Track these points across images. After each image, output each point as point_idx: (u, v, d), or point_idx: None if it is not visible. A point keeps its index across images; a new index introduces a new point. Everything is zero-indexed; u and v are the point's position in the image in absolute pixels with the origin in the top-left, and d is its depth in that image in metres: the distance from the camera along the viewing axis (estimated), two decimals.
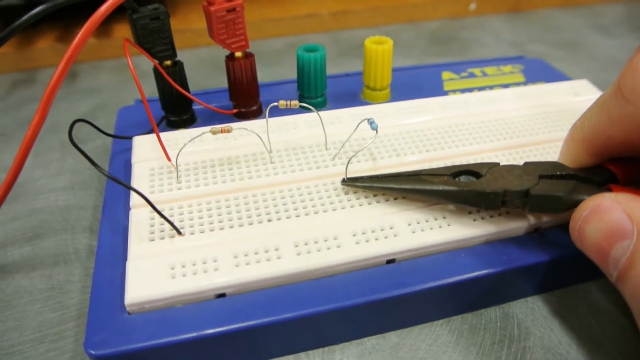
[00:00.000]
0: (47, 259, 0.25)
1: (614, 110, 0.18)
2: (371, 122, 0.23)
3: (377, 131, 0.23)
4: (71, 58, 0.21)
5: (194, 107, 0.30)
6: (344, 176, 0.23)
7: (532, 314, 0.22)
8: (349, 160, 0.23)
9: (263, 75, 0.40)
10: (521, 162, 0.22)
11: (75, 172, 0.31)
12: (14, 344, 0.21)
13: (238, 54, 0.28)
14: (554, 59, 0.43)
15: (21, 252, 0.25)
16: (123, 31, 0.45)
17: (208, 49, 0.46)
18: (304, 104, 0.24)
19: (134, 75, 0.22)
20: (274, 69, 0.43)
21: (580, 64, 0.44)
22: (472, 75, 0.34)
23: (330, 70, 0.35)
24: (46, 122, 0.35)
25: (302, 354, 0.20)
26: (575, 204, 0.19)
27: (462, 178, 0.21)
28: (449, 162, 0.25)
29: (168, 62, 0.27)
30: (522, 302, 0.22)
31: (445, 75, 0.34)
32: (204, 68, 0.43)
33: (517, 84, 0.33)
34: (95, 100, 0.39)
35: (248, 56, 0.28)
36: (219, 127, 0.23)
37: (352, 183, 0.22)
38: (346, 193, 0.23)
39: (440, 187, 0.21)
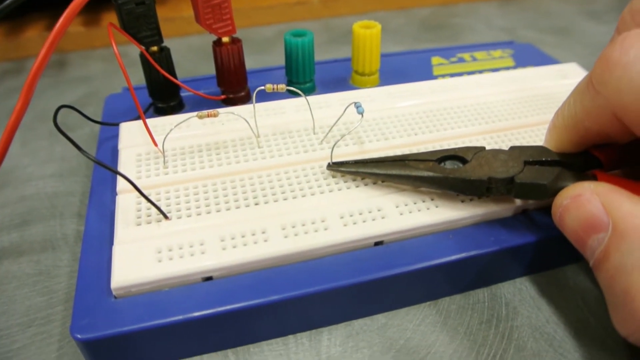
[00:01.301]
0: (35, 244, 0.25)
1: (587, 102, 0.18)
2: (357, 106, 0.23)
3: (362, 115, 0.23)
4: (54, 42, 0.20)
5: (182, 94, 0.30)
6: (330, 161, 0.23)
7: (520, 294, 0.22)
8: (335, 145, 0.23)
9: (253, 63, 0.40)
10: (508, 146, 0.22)
11: (63, 159, 0.31)
12: (1, 328, 0.21)
13: (225, 39, 0.27)
14: (546, 45, 0.43)
15: (9, 239, 0.25)
16: (113, 20, 0.45)
17: (199, 37, 0.46)
18: (291, 88, 0.24)
19: (119, 60, 0.22)
20: (264, 56, 0.43)
21: (571, 49, 0.44)
22: (461, 60, 0.34)
23: (322, 57, 0.35)
24: (35, 111, 0.35)
25: (290, 336, 0.20)
26: (560, 190, 0.19)
27: (448, 163, 0.21)
28: (437, 146, 0.25)
29: (154, 48, 0.27)
30: (510, 283, 0.22)
31: (435, 60, 0.34)
32: (194, 56, 0.43)
33: (507, 69, 0.33)
34: (84, 89, 0.38)
35: (235, 41, 0.28)
36: (205, 111, 0.23)
37: (337, 168, 0.22)
38: (334, 176, 0.23)
39: (425, 174, 0.21)
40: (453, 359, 0.19)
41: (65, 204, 0.27)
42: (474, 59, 0.34)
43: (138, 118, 0.25)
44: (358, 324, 0.21)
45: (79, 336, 0.17)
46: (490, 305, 0.21)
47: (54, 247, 0.24)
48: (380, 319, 0.21)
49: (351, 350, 0.20)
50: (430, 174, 0.21)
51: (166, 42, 0.27)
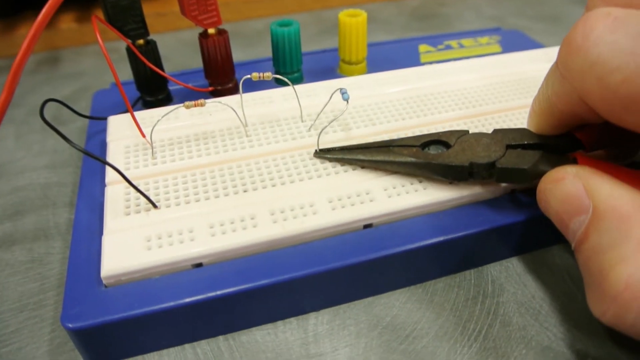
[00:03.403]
0: (28, 233, 0.25)
1: (557, 86, 0.18)
2: (343, 93, 0.23)
3: (347, 101, 0.23)
4: (40, 27, 0.20)
5: (170, 87, 0.30)
6: (317, 148, 0.23)
7: (506, 271, 0.22)
8: (321, 131, 0.23)
9: (244, 57, 0.40)
10: (492, 129, 0.22)
11: (56, 152, 0.31)
12: None
13: (211, 30, 0.28)
14: (535, 33, 0.44)
15: (3, 228, 0.25)
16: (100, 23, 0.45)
17: (189, 31, 0.46)
18: (277, 76, 0.24)
19: (104, 51, 0.22)
20: (254, 49, 0.43)
21: (560, 36, 0.43)
22: (448, 47, 0.35)
23: (312, 49, 0.35)
24: (27, 106, 0.36)
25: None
26: (541, 174, 0.19)
27: (432, 148, 0.22)
28: (423, 130, 0.25)
29: (141, 41, 0.27)
30: (497, 262, 0.23)
31: (422, 48, 0.34)
32: (185, 50, 0.43)
33: (494, 55, 0.33)
34: (77, 84, 0.39)
35: (221, 32, 0.28)
36: (192, 102, 0.23)
37: (323, 155, 0.23)
38: (322, 162, 0.23)
39: (409, 159, 0.21)
40: (439, 335, 0.20)
41: (57, 194, 0.28)
42: (461, 46, 0.35)
43: (126, 112, 0.26)
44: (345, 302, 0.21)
45: (69, 325, 0.17)
46: (476, 283, 0.22)
47: (47, 236, 0.25)
48: (367, 297, 0.21)
49: (338, 328, 0.20)
50: (414, 159, 0.21)
51: (157, 37, 0.28)
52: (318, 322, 0.20)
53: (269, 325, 0.20)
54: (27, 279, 0.23)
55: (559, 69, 0.17)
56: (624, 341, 0.19)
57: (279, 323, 0.20)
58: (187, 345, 0.20)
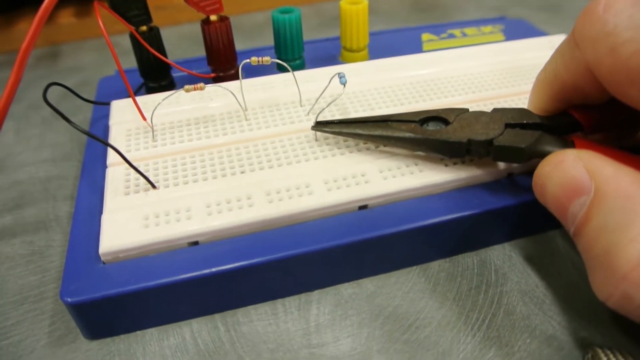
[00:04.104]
0: (28, 226, 0.25)
1: (567, 55, 0.18)
2: (341, 77, 0.23)
3: (345, 85, 0.23)
4: (47, 10, 0.20)
5: (174, 74, 0.30)
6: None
7: (510, 260, 0.22)
8: (319, 113, 0.23)
9: (244, 48, 0.40)
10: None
11: (56, 145, 0.31)
12: None
13: (213, 17, 0.28)
14: (538, 22, 0.43)
15: (3, 222, 0.25)
16: (103, 11, 0.45)
17: (190, 25, 0.46)
18: (277, 60, 0.24)
19: (105, 35, 0.22)
20: (255, 42, 0.43)
21: (563, 25, 0.44)
22: (451, 36, 0.34)
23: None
24: (28, 100, 0.36)
25: (279, 305, 0.20)
26: (538, 154, 0.19)
27: (431, 125, 0.21)
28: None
29: (144, 28, 0.27)
30: (500, 250, 0.22)
31: (425, 37, 0.34)
32: (185, 44, 0.43)
33: (497, 43, 0.33)
34: (77, 78, 0.39)
35: (223, 19, 0.28)
36: (192, 85, 0.23)
37: (321, 128, 0.22)
38: (319, 145, 0.23)
39: (406, 134, 0.21)
40: (442, 324, 0.19)
41: (58, 187, 0.27)
42: (464, 35, 0.34)
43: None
44: (347, 292, 0.21)
45: (68, 300, 0.17)
46: (479, 272, 0.21)
47: (47, 228, 0.25)
48: (369, 286, 0.21)
49: (340, 318, 0.20)
50: (411, 134, 0.21)
51: None
52: (320, 312, 0.20)
53: (270, 314, 0.20)
54: (28, 272, 0.22)
55: (573, 37, 0.18)
56: (629, 329, 0.19)
57: (281, 313, 0.20)
58: (184, 325, 0.20)
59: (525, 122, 0.20)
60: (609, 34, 0.16)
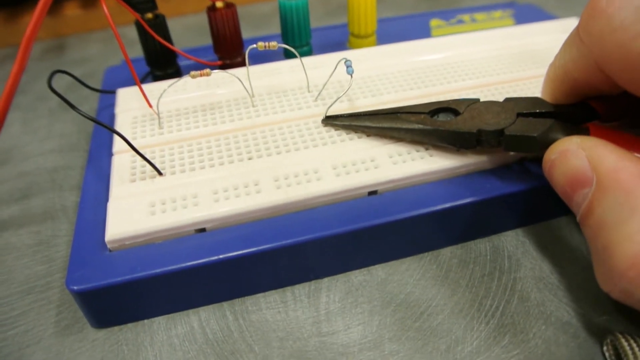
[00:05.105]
0: (35, 217, 0.25)
1: (574, 52, 0.18)
2: (348, 66, 0.22)
3: (352, 75, 0.22)
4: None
5: (180, 62, 0.30)
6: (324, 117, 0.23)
7: (523, 246, 0.21)
8: (330, 106, 0.23)
9: (251, 36, 0.39)
10: (503, 98, 0.21)
11: (63, 136, 0.31)
12: (1, 296, 0.21)
13: (219, 4, 0.27)
14: (548, 7, 0.42)
15: (10, 212, 0.25)
16: (109, 2, 0.45)
17: (194, 16, 0.46)
18: (284, 45, 0.24)
19: (110, 21, 0.22)
20: (262, 31, 0.42)
21: (574, 10, 0.43)
22: (460, 21, 0.34)
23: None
24: (34, 92, 0.36)
25: (288, 293, 0.20)
26: (551, 143, 0.18)
27: (441, 116, 0.21)
28: (433, 99, 0.24)
29: (149, 15, 0.27)
30: (513, 236, 0.22)
31: (434, 22, 0.34)
32: (190, 35, 0.43)
33: (507, 27, 0.32)
34: (83, 70, 0.38)
35: (229, 6, 0.28)
36: (197, 71, 0.23)
37: (331, 122, 0.22)
38: (327, 130, 0.22)
39: (417, 126, 0.20)
40: (454, 312, 0.19)
41: (64, 178, 0.27)
42: (474, 20, 0.34)
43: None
44: (357, 279, 0.20)
45: (74, 287, 0.17)
46: (492, 259, 0.21)
47: (53, 218, 0.25)
48: (380, 274, 0.21)
49: (350, 305, 0.19)
50: (421, 126, 0.20)
51: None
52: (330, 300, 0.20)
53: (279, 302, 0.20)
54: (34, 262, 0.22)
55: (579, 34, 0.17)
56: None
57: (290, 301, 0.20)
58: (191, 313, 0.19)
59: (538, 111, 0.20)
60: (616, 30, 0.15)
